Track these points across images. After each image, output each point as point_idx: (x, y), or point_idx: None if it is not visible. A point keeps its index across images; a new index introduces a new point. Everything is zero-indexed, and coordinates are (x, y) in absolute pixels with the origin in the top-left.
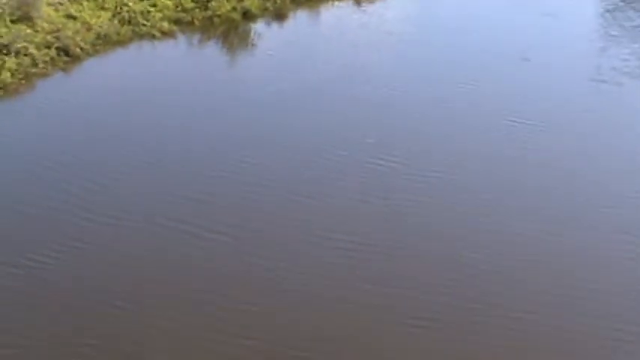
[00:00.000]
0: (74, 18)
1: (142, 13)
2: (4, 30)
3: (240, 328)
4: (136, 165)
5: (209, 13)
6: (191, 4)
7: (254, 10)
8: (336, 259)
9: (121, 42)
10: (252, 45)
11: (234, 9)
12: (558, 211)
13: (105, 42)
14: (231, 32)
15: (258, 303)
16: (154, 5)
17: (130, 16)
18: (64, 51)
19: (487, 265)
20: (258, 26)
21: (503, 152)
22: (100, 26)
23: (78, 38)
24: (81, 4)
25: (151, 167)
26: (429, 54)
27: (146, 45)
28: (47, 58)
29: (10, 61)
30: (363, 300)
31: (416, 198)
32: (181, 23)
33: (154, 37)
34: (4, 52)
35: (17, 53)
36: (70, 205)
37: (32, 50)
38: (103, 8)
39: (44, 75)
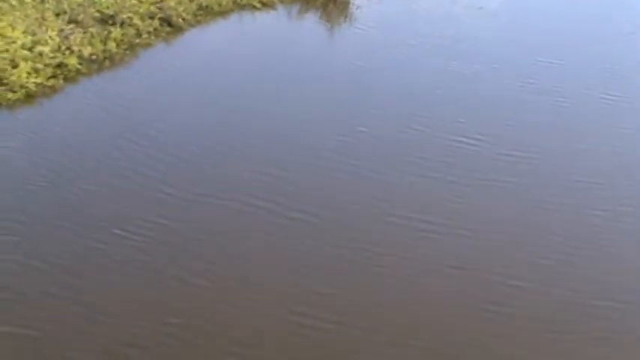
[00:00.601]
0: None
1: None
2: (110, 1)
3: (318, 309)
4: (230, 136)
5: None
6: None
7: None
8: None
9: (221, 13)
10: (351, 17)
11: None
12: None
13: (206, 13)
14: (330, 4)
15: (336, 285)
16: None
17: None
18: (167, 21)
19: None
20: None
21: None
22: None
23: (180, 9)
24: None
25: (245, 138)
26: (522, 28)
27: (246, 15)
28: (150, 29)
29: (116, 32)
30: (449, 286)
31: (505, 178)
32: None
33: (254, 7)
34: (110, 22)
35: (122, 24)
36: (168, 175)
37: (136, 21)
38: None
39: (147, 45)
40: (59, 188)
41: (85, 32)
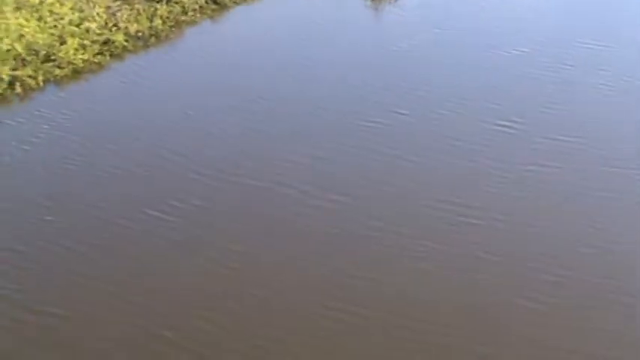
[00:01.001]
0: None
1: None
2: None
3: (352, 294)
4: (268, 116)
5: None
6: None
7: None
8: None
9: None
10: None
11: None
12: None
13: None
14: None
15: (370, 269)
16: None
17: None
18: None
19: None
20: None
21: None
22: None
23: None
24: None
25: (282, 119)
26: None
27: None
28: (196, 6)
29: (162, 9)
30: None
31: (542, 163)
32: None
33: None
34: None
35: (169, 1)
36: (205, 155)
37: None
38: None
39: (193, 22)
40: (94, 167)
41: (131, 9)
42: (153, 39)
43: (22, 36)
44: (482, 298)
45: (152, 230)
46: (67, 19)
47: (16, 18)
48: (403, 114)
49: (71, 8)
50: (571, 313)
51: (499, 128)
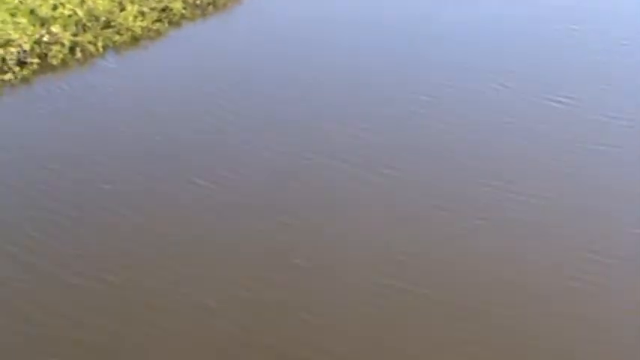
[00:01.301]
0: None
1: None
2: None
3: (408, 270)
4: (321, 91)
5: None
6: None
7: None
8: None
9: None
10: None
11: None
12: None
13: None
14: None
15: (427, 245)
16: None
17: None
18: None
19: None
20: None
21: None
22: None
23: None
24: None
25: (334, 93)
26: None
27: None
28: None
29: None
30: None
31: (605, 142)
32: None
33: None
34: None
35: None
36: (258, 128)
37: None
38: None
39: None
40: (146, 136)
41: None
42: (210, 7)
43: (83, 2)
44: (539, 279)
45: (199, 201)
46: None
47: None
48: (451, 86)
49: None
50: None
51: (550, 104)
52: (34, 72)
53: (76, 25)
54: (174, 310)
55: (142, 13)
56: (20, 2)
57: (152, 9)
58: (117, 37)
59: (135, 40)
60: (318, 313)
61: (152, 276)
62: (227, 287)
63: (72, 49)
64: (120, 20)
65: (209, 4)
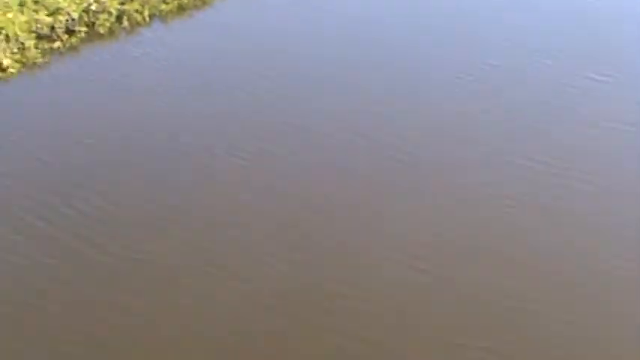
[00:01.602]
0: None
1: None
2: None
3: (436, 253)
4: (354, 67)
5: None
6: None
7: None
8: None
9: None
10: None
11: None
12: None
13: None
14: None
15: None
16: None
17: None
18: None
19: None
20: None
21: None
22: None
23: None
24: None
25: (369, 70)
26: None
27: None
28: None
29: None
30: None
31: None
32: None
33: None
34: None
35: None
36: (283, 102)
37: None
38: None
39: None
40: (184, 105)
41: None
42: None
43: None
44: (575, 263)
45: (227, 171)
46: None
47: None
48: (492, 64)
49: None
50: None
51: (589, 82)
52: (82, 40)
53: None
54: None
55: None
56: None
57: None
58: (163, 6)
59: (181, 9)
60: None
61: None
62: None
63: (119, 18)
64: None
65: None
